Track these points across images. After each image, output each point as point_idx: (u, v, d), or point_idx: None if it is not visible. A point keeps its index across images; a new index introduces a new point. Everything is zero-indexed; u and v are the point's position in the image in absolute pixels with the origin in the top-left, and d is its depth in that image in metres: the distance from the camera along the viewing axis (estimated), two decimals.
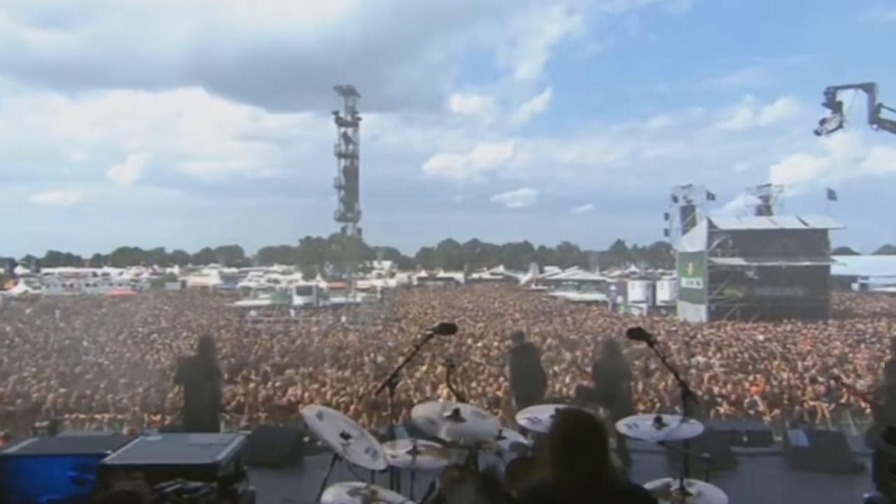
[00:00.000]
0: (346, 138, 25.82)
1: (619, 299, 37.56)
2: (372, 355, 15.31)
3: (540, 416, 2.89)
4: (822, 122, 21.58)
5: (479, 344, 17.24)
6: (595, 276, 62.88)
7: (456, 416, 2.66)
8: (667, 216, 34.27)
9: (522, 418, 2.95)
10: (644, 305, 33.30)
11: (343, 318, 27.06)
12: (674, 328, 22.08)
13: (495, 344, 17.22)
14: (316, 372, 12.94)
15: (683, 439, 2.74)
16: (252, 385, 11.35)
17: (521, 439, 2.93)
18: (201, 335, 11.93)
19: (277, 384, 11.20)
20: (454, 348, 15.05)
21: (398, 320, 27.82)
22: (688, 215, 32.60)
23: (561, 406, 2.71)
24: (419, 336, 20.23)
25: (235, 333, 21.57)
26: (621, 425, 2.85)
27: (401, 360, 14.14)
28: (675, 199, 33.38)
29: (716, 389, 10.52)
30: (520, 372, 6.27)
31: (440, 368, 12.29)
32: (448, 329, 3.15)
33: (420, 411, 2.71)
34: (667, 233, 34.93)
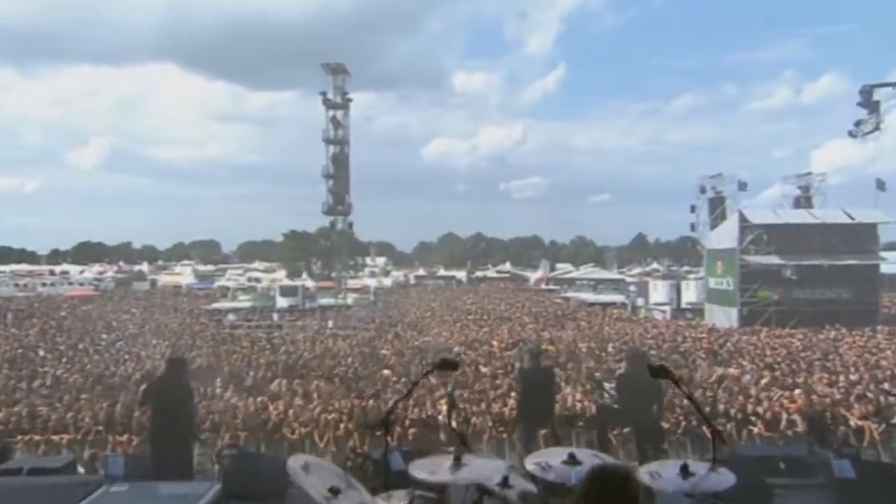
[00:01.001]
0: (336, 122, 25.74)
1: (640, 301, 37.62)
2: (359, 367, 15.25)
3: (551, 461, 2.83)
4: (857, 123, 21.48)
5: (483, 349, 17.19)
6: (613, 274, 63.11)
7: (457, 463, 2.60)
8: (693, 209, 34.29)
9: (531, 463, 2.90)
10: (667, 308, 33.36)
11: (331, 323, 27.11)
12: (701, 335, 22.03)
13: (498, 352, 17.18)
14: (302, 384, 12.91)
15: (713, 492, 2.69)
16: (231, 400, 11.33)
17: (530, 487, 2.87)
18: (171, 356, 11.89)
19: (259, 399, 11.18)
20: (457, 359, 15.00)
21: (393, 325, 27.89)
22: (717, 207, 32.57)
23: (577, 452, 2.65)
24: (416, 345, 20.32)
25: (211, 341, 21.62)
26: (643, 473, 2.80)
27: (395, 373, 14.16)
28: (703, 190, 33.38)
29: (749, 407, 10.47)
30: (530, 399, 6.19)
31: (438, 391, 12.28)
32: (449, 365, 3.09)
33: (418, 468, 2.64)
34: (693, 227, 34.98)
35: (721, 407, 10.34)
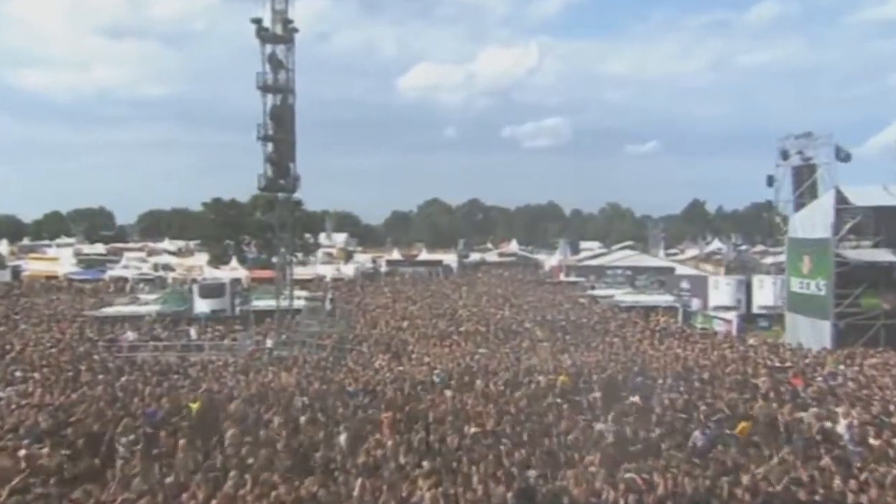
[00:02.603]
0: (275, 62, 25.00)
1: (695, 304, 38.05)
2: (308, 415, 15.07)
3: None
4: None
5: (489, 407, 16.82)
6: (657, 259, 63.37)
7: None
8: (771, 181, 34.30)
9: None
10: (734, 316, 33.69)
11: (270, 342, 26.90)
12: (779, 361, 22.25)
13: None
14: (227, 454, 12.69)
15: None
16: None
17: None
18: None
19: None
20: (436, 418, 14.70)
21: (359, 342, 27.83)
22: (804, 180, 32.57)
23: None
24: (389, 375, 20.23)
25: (98, 376, 20.84)
26: None
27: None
28: (785, 155, 33.32)
29: (852, 485, 10.41)
30: None
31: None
32: None
33: None
34: (771, 205, 35.06)
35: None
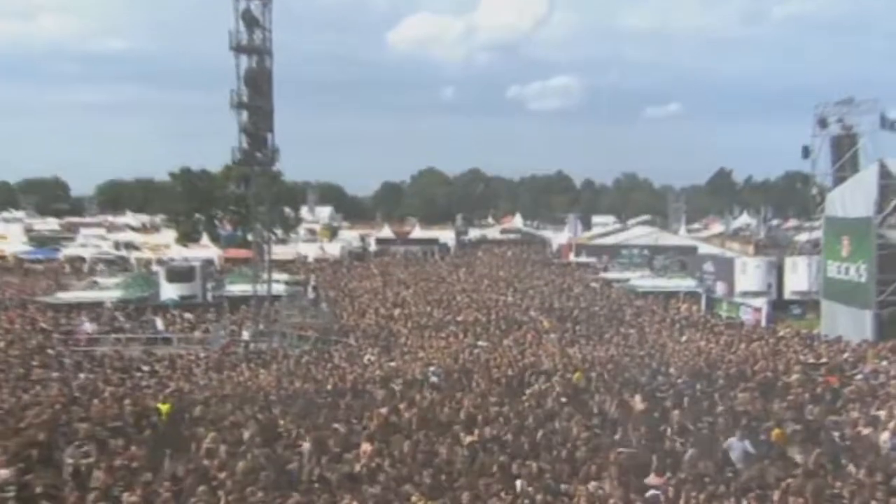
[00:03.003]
0: (250, 20, 24.70)
1: (720, 289, 38.12)
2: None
3: None
4: None
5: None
6: (679, 237, 63.60)
7: None
8: (807, 152, 34.16)
9: None
10: (763, 303, 33.74)
11: (247, 334, 26.99)
12: (814, 357, 22.27)
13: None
14: (199, 461, 12.75)
15: None
16: None
17: None
18: None
19: None
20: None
21: (345, 333, 27.94)
22: (844, 152, 32.44)
23: None
24: (379, 372, 20.32)
25: (52, 374, 20.86)
26: None
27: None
28: (823, 123, 33.13)
29: None
30: None
31: None
32: None
33: None
34: (807, 180, 34.97)
35: None
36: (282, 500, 10.47)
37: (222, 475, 11.51)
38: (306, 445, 13.16)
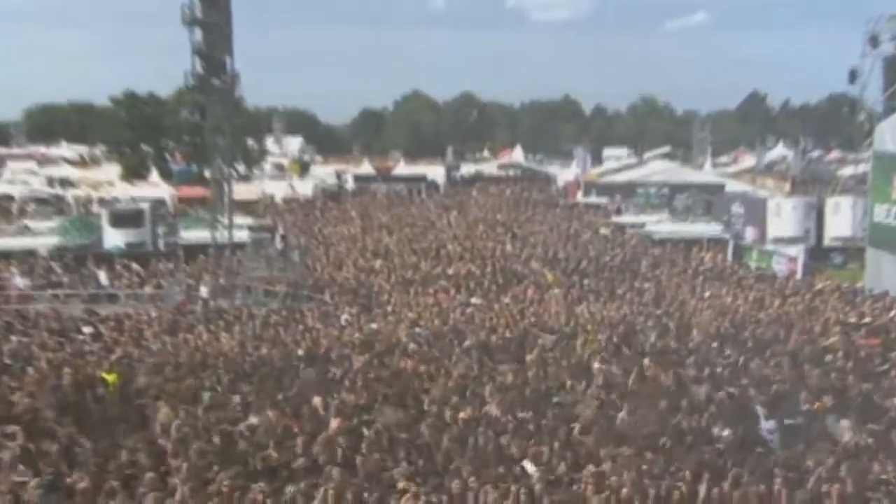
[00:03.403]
0: None
1: (749, 234, 38.20)
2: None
3: None
4: None
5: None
6: (703, 172, 63.47)
7: None
8: (854, 77, 33.90)
9: None
10: (799, 251, 33.84)
11: (205, 290, 26.92)
12: (856, 316, 22.43)
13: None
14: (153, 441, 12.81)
15: None
16: None
17: None
18: None
19: None
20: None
21: (319, 289, 27.91)
22: None
23: None
24: (357, 335, 20.39)
25: None
26: None
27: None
28: (875, 42, 32.79)
29: None
30: None
31: None
32: None
33: None
34: (855, 106, 34.75)
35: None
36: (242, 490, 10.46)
37: (177, 461, 11.56)
38: (255, 420, 13.21)
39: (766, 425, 12.96)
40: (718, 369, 16.25)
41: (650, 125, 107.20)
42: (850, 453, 11.76)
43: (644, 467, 11.11)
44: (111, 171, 62.12)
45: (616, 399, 14.23)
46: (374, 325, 21.93)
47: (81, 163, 73.11)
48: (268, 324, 22.50)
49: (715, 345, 18.50)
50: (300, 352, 19.00)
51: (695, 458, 11.45)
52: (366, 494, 10.22)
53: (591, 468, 10.97)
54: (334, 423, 13.10)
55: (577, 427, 12.83)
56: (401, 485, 10.57)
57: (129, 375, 16.80)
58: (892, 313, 22.92)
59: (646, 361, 16.38)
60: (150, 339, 20.84)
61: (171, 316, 24.11)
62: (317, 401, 14.39)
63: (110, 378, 16.23)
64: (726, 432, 12.59)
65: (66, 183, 56.72)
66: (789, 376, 15.75)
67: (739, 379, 15.58)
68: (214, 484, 10.58)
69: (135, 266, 31.55)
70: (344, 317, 23.37)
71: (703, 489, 10.27)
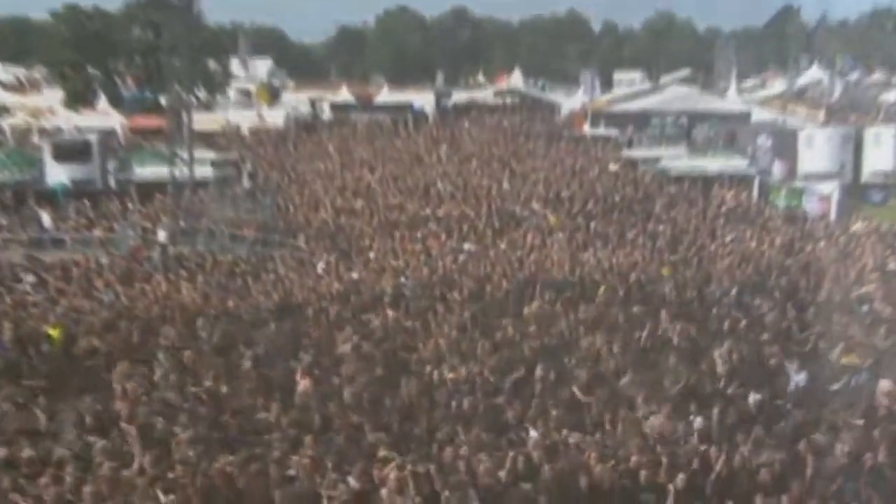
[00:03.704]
0: None
1: (778, 170, 38.11)
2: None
3: None
4: None
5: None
6: (728, 98, 62.99)
7: None
8: None
9: None
10: (834, 188, 33.82)
11: (163, 234, 26.83)
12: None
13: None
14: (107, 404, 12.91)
15: None
16: None
17: None
18: None
19: None
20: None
21: (292, 233, 27.82)
22: None
23: None
24: (336, 286, 20.46)
25: None
26: None
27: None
28: None
29: None
30: None
31: None
32: None
33: None
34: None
35: None
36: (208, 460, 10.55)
37: (131, 426, 11.60)
38: (210, 385, 13.30)
39: (794, 382, 13.07)
40: (741, 323, 16.33)
41: (667, 45, 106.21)
42: (884, 416, 11.83)
43: (651, 432, 11.24)
44: (53, 96, 61.23)
45: (626, 356, 14.33)
46: (354, 275, 21.96)
47: (18, 87, 72.02)
48: (234, 273, 22.53)
49: (737, 295, 18.57)
50: (271, 304, 19.08)
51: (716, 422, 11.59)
52: (346, 466, 10.31)
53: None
54: (304, 384, 13.20)
55: (578, 389, 12.95)
56: (382, 453, 10.66)
57: (77, 330, 16.84)
58: None
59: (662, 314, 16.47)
60: (101, 289, 20.82)
61: (124, 263, 24.08)
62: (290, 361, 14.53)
63: (55, 333, 16.27)
64: (748, 392, 12.69)
65: (0, 110, 56.09)
66: (819, 330, 15.83)
67: (764, 333, 15.69)
68: (177, 454, 10.68)
69: (84, 206, 31.32)
70: (320, 265, 23.41)
71: (720, 456, 10.32)
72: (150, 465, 10.29)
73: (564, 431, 11.51)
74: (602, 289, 18.65)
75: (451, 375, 13.58)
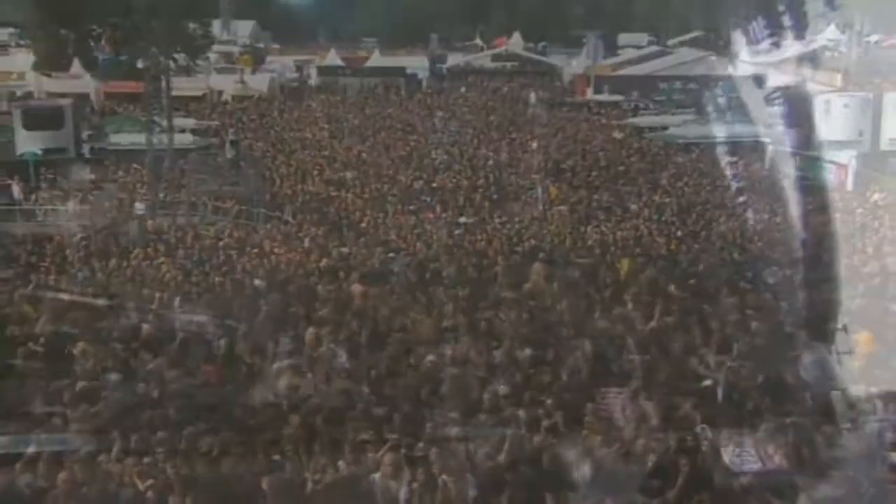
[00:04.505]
0: None
1: (792, 137, 37.98)
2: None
3: None
4: None
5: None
6: (740, 60, 62.75)
7: None
8: None
9: None
10: (851, 157, 33.78)
11: (140, 206, 26.78)
12: None
13: None
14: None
15: None
16: None
17: None
18: None
19: None
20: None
21: (278, 206, 27.76)
22: None
23: None
24: (325, 261, 20.43)
25: None
26: None
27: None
28: None
29: None
30: None
31: None
32: None
33: None
34: None
35: None
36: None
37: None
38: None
39: (805, 361, 13.10)
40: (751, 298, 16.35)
41: (675, 6, 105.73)
42: None
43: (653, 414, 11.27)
44: (22, 60, 60.92)
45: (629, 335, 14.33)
46: (343, 250, 21.89)
47: None
48: (217, 247, 22.48)
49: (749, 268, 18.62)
50: (256, 281, 19.06)
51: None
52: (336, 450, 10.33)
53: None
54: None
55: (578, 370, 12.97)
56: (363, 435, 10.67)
57: (51, 308, 16.81)
58: None
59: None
60: (76, 265, 20.77)
61: (101, 237, 23.99)
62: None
63: (27, 309, 16.24)
64: (756, 370, 12.72)
65: None
66: (833, 305, 15.85)
67: (774, 308, 15.72)
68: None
69: (56, 177, 31.21)
70: (308, 239, 23.33)
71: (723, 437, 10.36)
72: (127, 450, 10.28)
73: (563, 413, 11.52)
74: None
75: (438, 355, 13.55)
